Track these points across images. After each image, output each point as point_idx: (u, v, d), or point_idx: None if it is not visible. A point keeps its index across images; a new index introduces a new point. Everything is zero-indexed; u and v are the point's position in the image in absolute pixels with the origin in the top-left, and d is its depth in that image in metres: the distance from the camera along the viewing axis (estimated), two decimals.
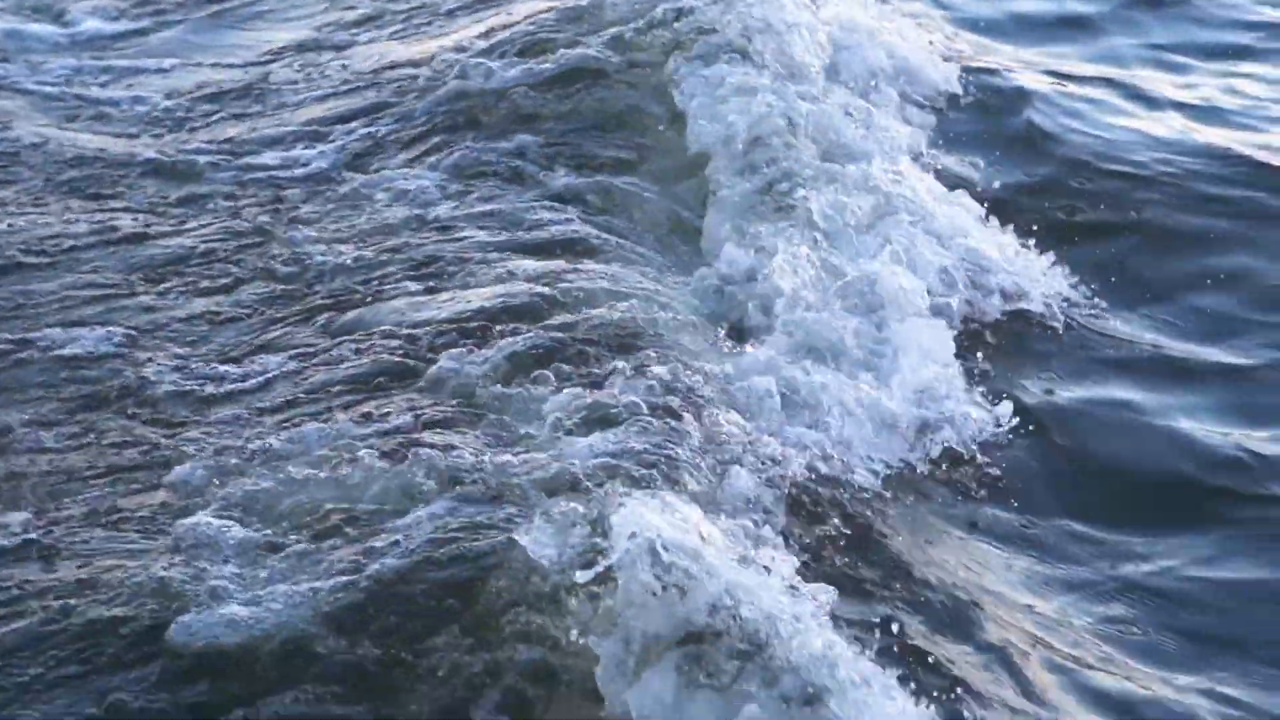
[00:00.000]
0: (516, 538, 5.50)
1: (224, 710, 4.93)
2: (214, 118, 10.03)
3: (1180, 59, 9.90)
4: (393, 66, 10.75)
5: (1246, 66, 9.97)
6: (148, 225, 8.64)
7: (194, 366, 7.14)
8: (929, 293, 7.02)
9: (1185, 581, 5.31)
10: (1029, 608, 5.07)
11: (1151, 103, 9.26)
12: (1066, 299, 7.40)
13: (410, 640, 5.12)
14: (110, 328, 7.49)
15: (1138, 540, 5.60)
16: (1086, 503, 5.79)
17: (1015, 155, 8.77)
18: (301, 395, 6.83)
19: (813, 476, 5.83)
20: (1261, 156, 8.52)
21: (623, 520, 5.21)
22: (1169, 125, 9.16)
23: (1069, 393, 6.57)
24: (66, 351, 7.27)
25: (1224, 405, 6.37)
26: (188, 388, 6.96)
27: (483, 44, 10.80)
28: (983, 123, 9.19)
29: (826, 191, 7.87)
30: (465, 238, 8.27)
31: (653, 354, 6.89)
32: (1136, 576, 5.37)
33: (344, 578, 5.48)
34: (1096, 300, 7.40)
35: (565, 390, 6.69)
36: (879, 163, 8.14)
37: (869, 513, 5.60)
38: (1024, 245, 7.67)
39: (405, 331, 7.29)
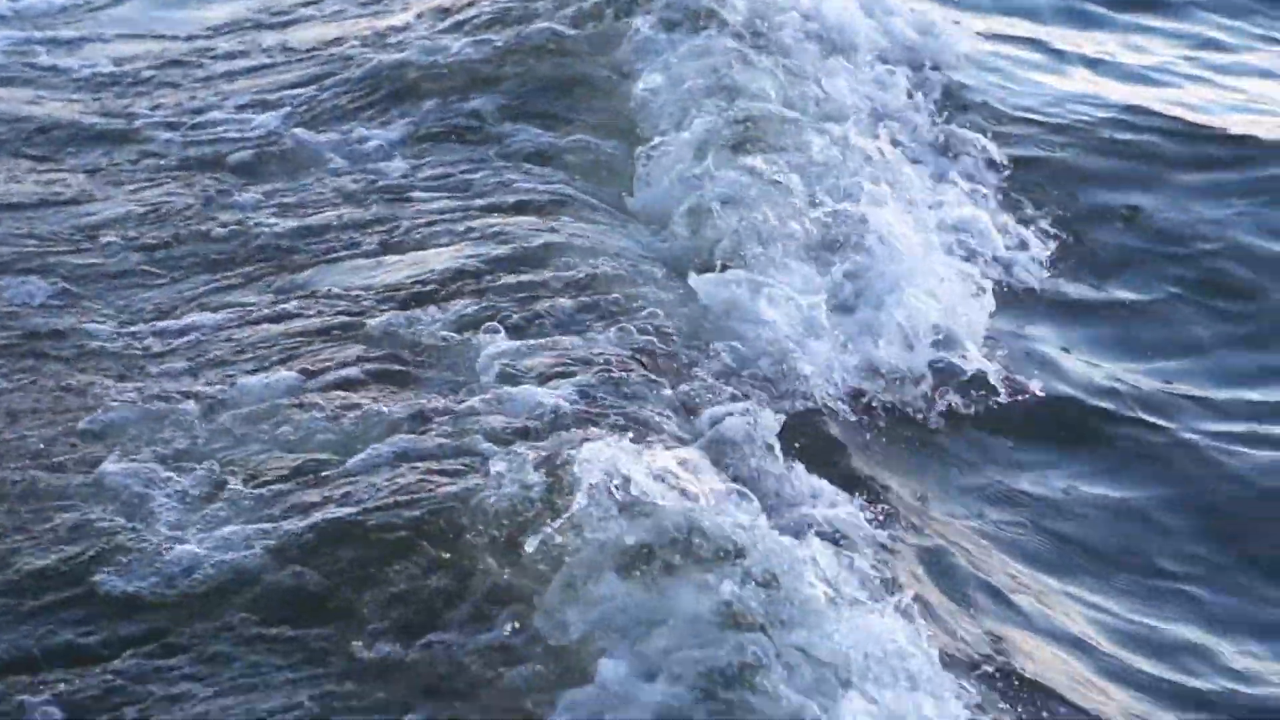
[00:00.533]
0: (471, 479, 5.55)
1: (159, 645, 4.94)
2: (160, 85, 10.06)
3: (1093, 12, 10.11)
4: (339, 41, 10.81)
5: (1153, 21, 10.21)
6: (93, 186, 8.66)
7: (134, 319, 7.13)
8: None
9: (1062, 493, 5.56)
10: (940, 508, 5.30)
11: (1062, 57, 9.50)
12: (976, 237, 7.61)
13: (362, 571, 5.15)
14: (51, 279, 7.49)
15: (1025, 456, 5.84)
16: (982, 422, 6.03)
17: (937, 107, 8.96)
18: (244, 349, 6.82)
19: (772, 403, 5.96)
20: (1160, 108, 8.76)
21: (583, 455, 5.30)
22: (1079, 79, 9.41)
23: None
24: (5, 301, 7.27)
25: (1111, 338, 6.63)
26: (127, 339, 6.94)
27: (435, 19, 10.86)
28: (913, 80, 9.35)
29: (768, 142, 8.00)
30: (417, 198, 8.34)
31: (611, 305, 6.94)
32: (1021, 485, 5.57)
33: (289, 521, 5.49)
34: (1006, 239, 7.60)
35: (517, 342, 6.73)
36: (812, 118, 8.30)
37: (821, 435, 5.74)
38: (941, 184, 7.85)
39: (354, 291, 7.29)
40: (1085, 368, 6.36)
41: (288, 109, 9.62)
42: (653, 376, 6.37)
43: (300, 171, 8.80)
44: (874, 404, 6.16)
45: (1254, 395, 6.39)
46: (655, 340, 6.64)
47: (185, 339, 6.92)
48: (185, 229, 8.05)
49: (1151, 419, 6.19)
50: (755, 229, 7.42)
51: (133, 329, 6.99)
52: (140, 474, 5.80)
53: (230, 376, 6.51)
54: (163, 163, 8.93)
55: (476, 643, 4.75)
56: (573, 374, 6.36)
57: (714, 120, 8.45)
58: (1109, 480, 5.83)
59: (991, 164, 8.09)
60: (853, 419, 5.97)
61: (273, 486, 5.68)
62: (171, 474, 5.78)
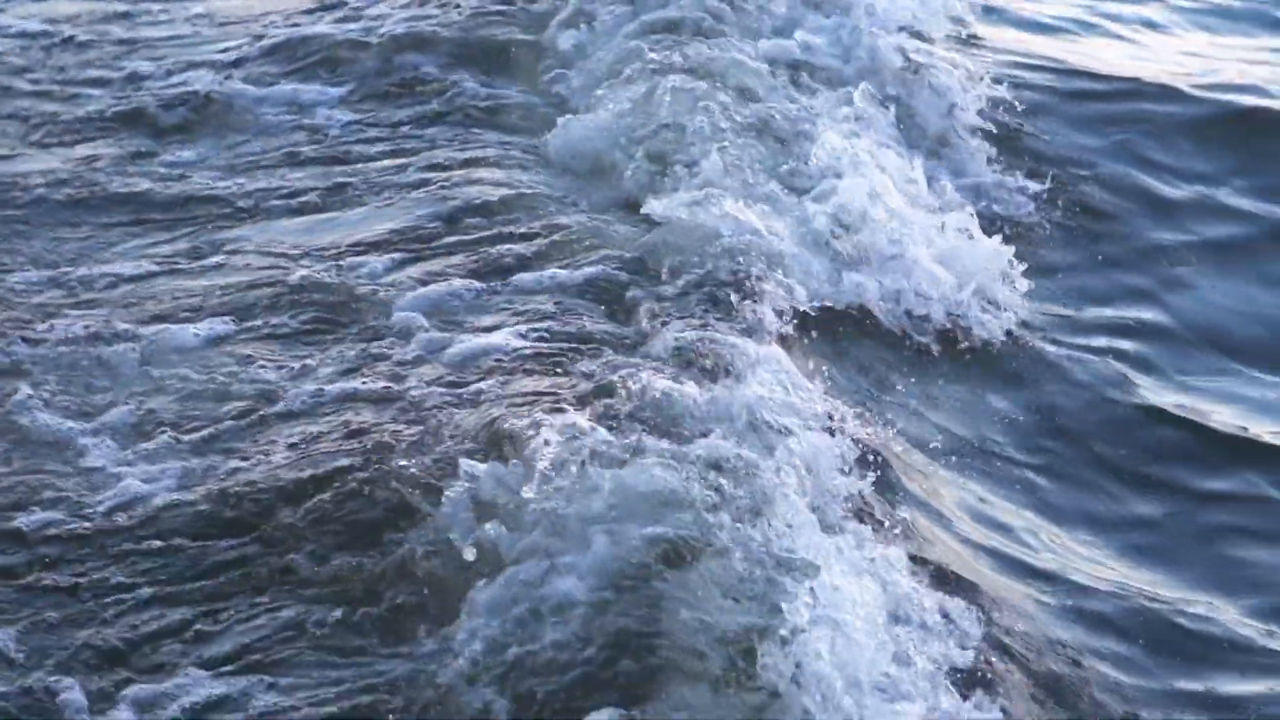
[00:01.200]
0: (406, 423, 5.61)
1: (87, 579, 4.93)
2: (92, 45, 10.06)
3: None
4: (277, 8, 10.71)
5: None
6: (22, 141, 8.62)
7: (60, 267, 7.08)
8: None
9: (939, 396, 6.04)
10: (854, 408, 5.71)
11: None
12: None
13: (294, 507, 5.17)
14: None
15: (911, 363, 6.31)
16: (870, 334, 6.35)
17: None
18: (173, 298, 6.77)
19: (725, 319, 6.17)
20: (1052, 53, 9.09)
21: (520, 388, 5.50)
22: (976, 28, 9.72)
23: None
24: None
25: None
26: (51, 287, 6.90)
27: None
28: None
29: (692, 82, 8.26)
30: (356, 155, 8.33)
31: (556, 248, 7.01)
32: (909, 388, 6.11)
33: (220, 461, 5.55)
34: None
35: (457, 290, 6.77)
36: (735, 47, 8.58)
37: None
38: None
39: (291, 244, 7.28)
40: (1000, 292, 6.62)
41: (223, 70, 9.55)
42: (600, 310, 6.50)
43: (235, 129, 8.79)
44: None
45: (1110, 312, 6.71)
46: (603, 274, 6.75)
47: (113, 289, 6.91)
48: (114, 183, 8.02)
49: (1018, 333, 6.50)
50: (699, 157, 7.59)
51: (58, 276, 6.98)
52: (66, 413, 5.84)
53: (159, 324, 6.51)
54: (93, 119, 8.90)
55: (400, 554, 4.88)
56: (518, 319, 6.45)
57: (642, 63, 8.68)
58: (979, 387, 6.18)
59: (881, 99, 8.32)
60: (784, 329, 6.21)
61: (202, 430, 5.73)
62: (98, 415, 5.82)
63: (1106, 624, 4.63)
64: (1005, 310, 6.55)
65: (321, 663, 4.51)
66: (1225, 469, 5.81)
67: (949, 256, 6.56)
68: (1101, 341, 6.61)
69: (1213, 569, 5.25)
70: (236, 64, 9.66)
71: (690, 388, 5.44)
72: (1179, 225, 7.68)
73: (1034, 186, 7.71)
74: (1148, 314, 6.77)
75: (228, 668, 4.49)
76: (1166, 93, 9.00)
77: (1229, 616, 4.96)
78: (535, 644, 4.42)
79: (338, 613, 4.71)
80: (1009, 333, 6.51)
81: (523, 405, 5.62)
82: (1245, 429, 6.05)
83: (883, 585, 4.43)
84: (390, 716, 4.29)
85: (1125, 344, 6.56)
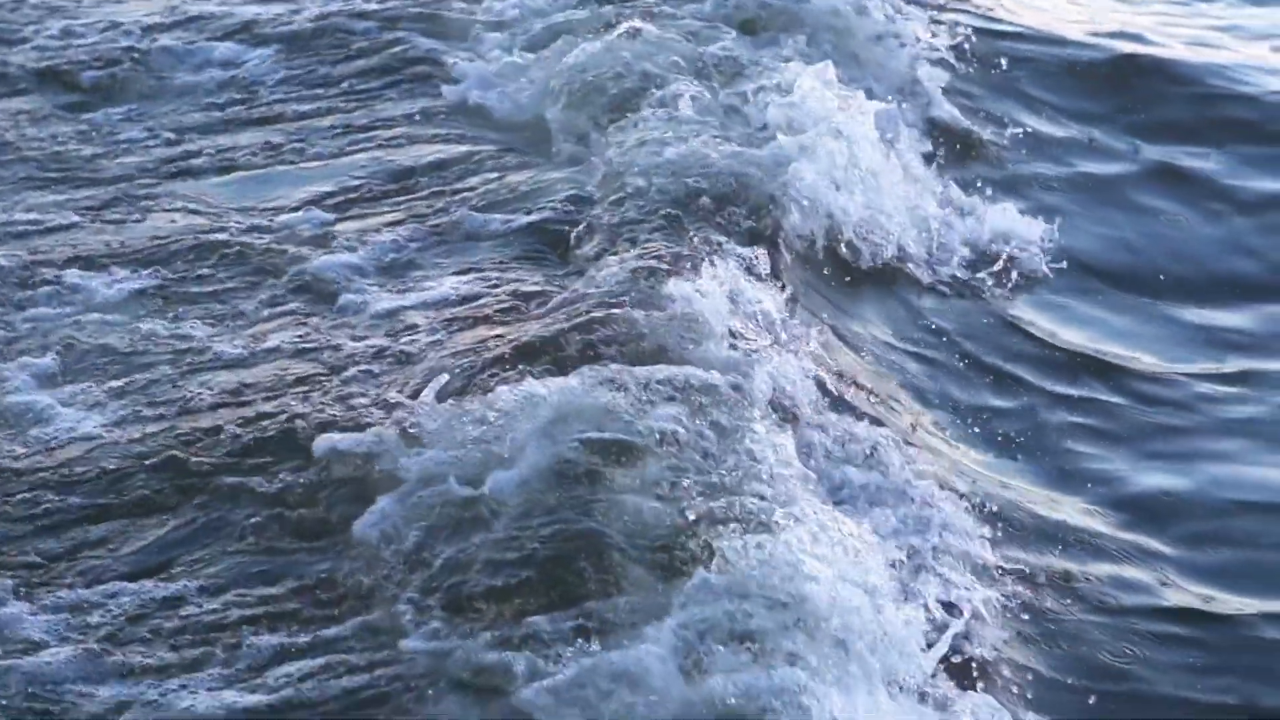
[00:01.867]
0: (333, 377, 5.58)
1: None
2: (11, 8, 9.93)
3: None
4: None
5: None
6: None
7: None
8: None
9: (878, 326, 6.36)
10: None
11: None
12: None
13: (218, 448, 5.15)
14: None
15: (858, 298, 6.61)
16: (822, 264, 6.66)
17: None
18: (89, 252, 6.69)
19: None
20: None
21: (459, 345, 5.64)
22: None
23: None
24: None
25: None
26: None
27: None
28: None
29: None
30: (289, 112, 8.23)
31: (497, 197, 6.96)
32: (861, 319, 6.38)
33: (125, 399, 5.53)
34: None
35: (388, 246, 6.68)
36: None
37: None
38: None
39: (216, 202, 7.18)
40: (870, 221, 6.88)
41: (150, 31, 9.37)
42: (541, 256, 6.50)
43: (163, 87, 8.67)
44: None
45: (987, 237, 7.04)
46: (544, 220, 6.74)
47: (33, 236, 6.81)
48: (37, 139, 7.93)
49: (910, 252, 6.82)
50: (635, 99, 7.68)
51: None
52: None
53: (82, 271, 6.46)
54: (16, 78, 8.75)
55: (329, 473, 4.92)
56: (455, 269, 6.43)
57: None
58: (878, 299, 6.54)
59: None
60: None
61: (124, 374, 5.72)
62: (16, 359, 5.79)
63: (960, 501, 4.93)
64: (896, 232, 6.77)
65: (247, 569, 4.59)
66: (1073, 378, 6.15)
67: (855, 182, 6.74)
68: (979, 261, 6.90)
69: (1054, 460, 5.60)
70: (165, 26, 9.51)
71: (637, 315, 5.54)
72: (1058, 159, 7.93)
73: (926, 123, 7.92)
74: (1022, 238, 7.02)
75: (159, 576, 4.57)
76: (1054, 39, 9.25)
77: (1069, 505, 5.26)
78: (465, 544, 4.49)
79: (263, 523, 4.79)
80: (901, 249, 6.77)
81: (461, 350, 5.69)
82: (1096, 348, 6.39)
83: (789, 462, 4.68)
84: (317, 612, 4.37)
85: (999, 265, 6.84)
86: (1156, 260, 7.08)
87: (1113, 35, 9.43)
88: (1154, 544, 5.16)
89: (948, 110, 8.14)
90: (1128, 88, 8.75)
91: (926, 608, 4.29)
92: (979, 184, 7.32)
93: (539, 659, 4.04)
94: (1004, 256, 6.86)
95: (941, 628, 4.22)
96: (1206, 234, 7.30)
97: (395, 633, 4.24)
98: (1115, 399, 6.02)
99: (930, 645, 4.11)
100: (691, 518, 4.40)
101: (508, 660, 4.06)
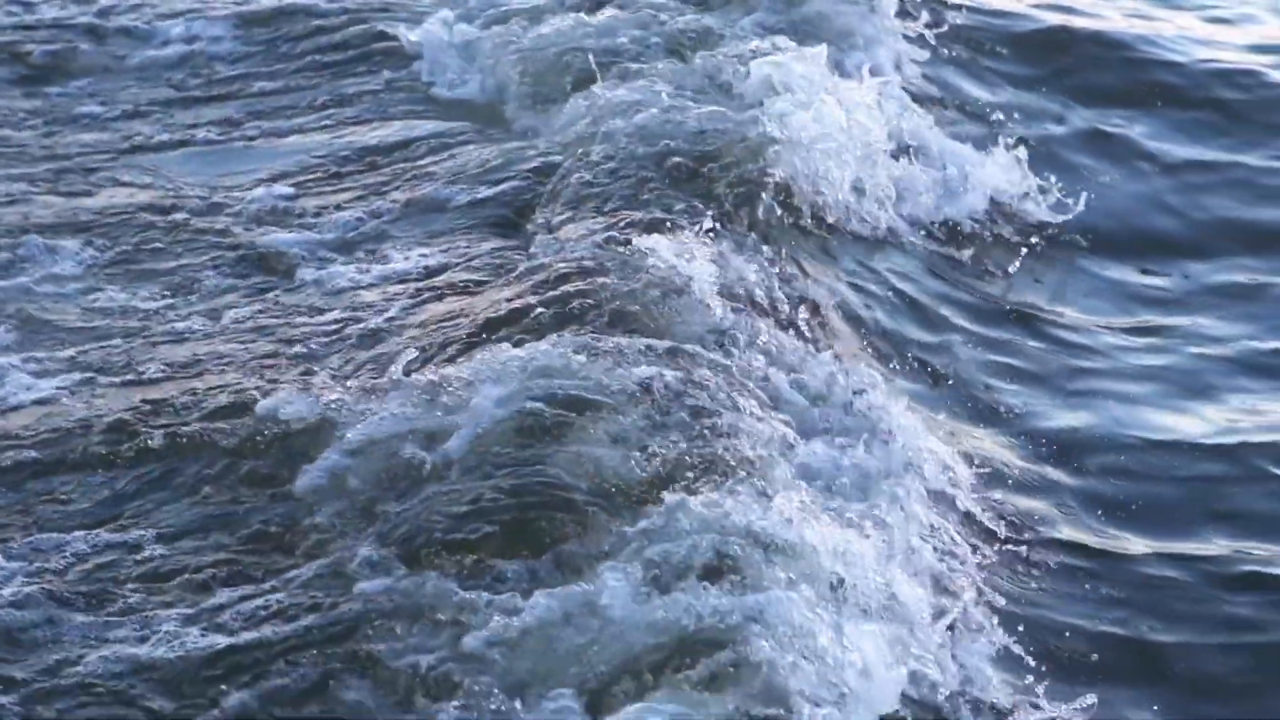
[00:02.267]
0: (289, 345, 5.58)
1: None
2: None
3: None
4: None
5: None
6: None
7: None
8: None
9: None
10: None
11: None
12: None
13: (163, 408, 5.16)
14: None
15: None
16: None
17: None
18: (42, 222, 6.63)
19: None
20: None
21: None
22: None
23: None
24: None
25: None
26: None
27: None
28: None
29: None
30: (247, 89, 8.18)
31: (457, 174, 6.92)
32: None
33: (77, 371, 5.50)
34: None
35: (347, 222, 6.62)
36: None
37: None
38: None
39: (172, 178, 7.11)
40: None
41: (107, 10, 9.15)
42: (503, 228, 6.48)
43: (120, 63, 8.57)
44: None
45: (926, 200, 7.25)
46: (505, 192, 6.71)
47: None
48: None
49: (865, 208, 6.99)
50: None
51: None
52: None
53: (31, 246, 6.38)
54: None
55: (280, 428, 4.93)
56: (415, 244, 6.40)
57: None
58: (816, 242, 6.65)
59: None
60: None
61: (75, 345, 5.69)
62: None
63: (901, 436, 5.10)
64: (845, 183, 6.89)
65: (202, 519, 4.62)
66: (999, 325, 6.42)
67: (824, 143, 6.85)
68: (921, 219, 7.08)
69: (974, 397, 5.84)
70: (122, 7, 9.25)
71: (606, 281, 5.59)
72: (994, 123, 8.09)
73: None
74: (960, 197, 7.21)
75: (114, 525, 4.61)
76: (995, 12, 9.41)
77: (986, 438, 5.54)
78: (423, 494, 4.53)
79: (217, 476, 4.82)
80: (855, 206, 6.88)
81: (424, 320, 5.72)
82: (1021, 299, 6.69)
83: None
84: (274, 559, 4.41)
85: (941, 222, 7.06)
86: (1084, 219, 7.28)
87: (1051, 7, 9.62)
88: (1060, 477, 5.38)
89: (892, 74, 8.28)
90: (1064, 55, 8.94)
91: (854, 524, 4.39)
92: (921, 145, 7.47)
93: (499, 596, 4.07)
94: (945, 215, 7.04)
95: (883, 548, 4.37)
96: (1131, 194, 7.51)
97: (353, 576, 4.27)
98: (1035, 344, 6.28)
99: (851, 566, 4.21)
100: (659, 467, 4.47)
101: (469, 598, 4.09)
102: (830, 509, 4.43)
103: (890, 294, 6.41)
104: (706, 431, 4.65)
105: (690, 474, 4.46)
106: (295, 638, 4.10)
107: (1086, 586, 4.86)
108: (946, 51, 8.83)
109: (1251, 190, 7.66)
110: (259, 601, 4.24)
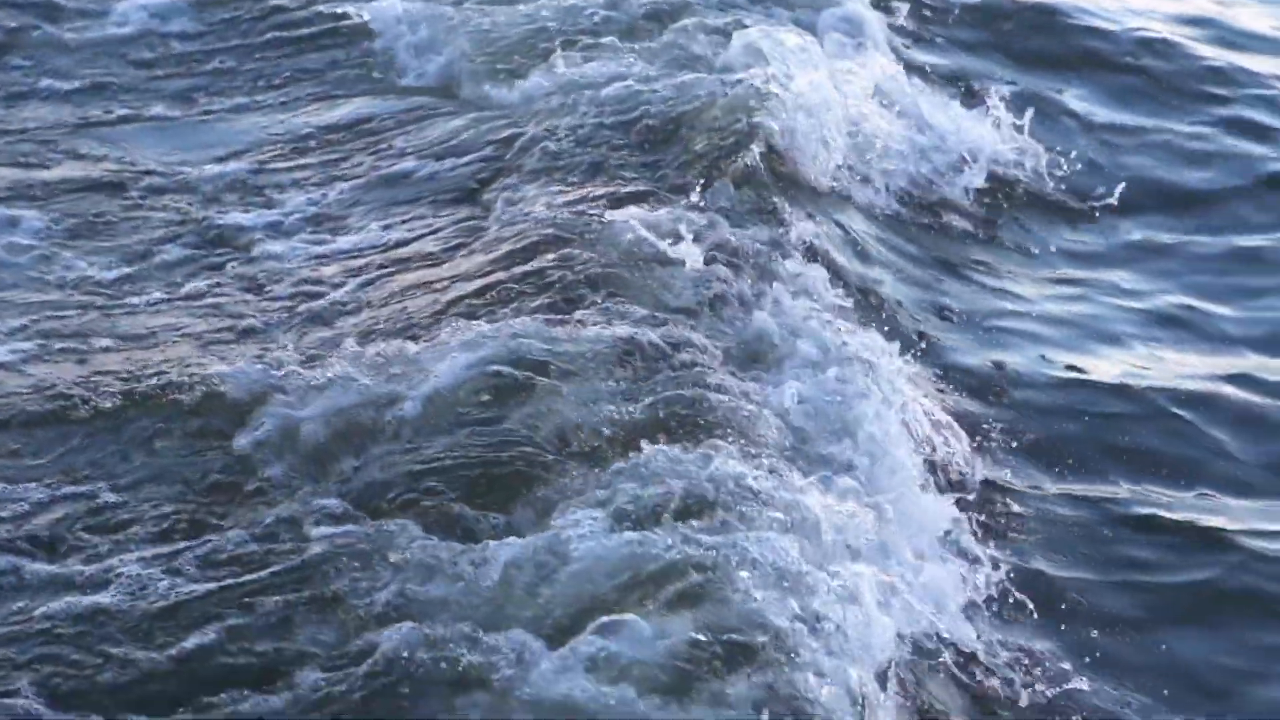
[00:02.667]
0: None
1: None
2: None
3: None
4: None
5: None
6: None
7: None
8: None
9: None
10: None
11: None
12: None
13: (114, 380, 5.15)
14: None
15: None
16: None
17: None
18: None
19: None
20: None
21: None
22: None
23: None
24: None
25: None
26: None
27: None
28: None
29: None
30: (206, 67, 8.11)
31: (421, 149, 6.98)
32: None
33: (28, 341, 5.50)
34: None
35: (311, 199, 6.63)
36: None
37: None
38: None
39: (130, 154, 7.08)
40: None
41: None
42: (462, 201, 6.50)
43: (80, 42, 8.41)
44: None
45: (895, 156, 7.45)
46: (465, 167, 6.73)
47: None
48: None
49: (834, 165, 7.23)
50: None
51: None
52: None
53: None
54: None
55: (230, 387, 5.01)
56: (376, 219, 6.41)
57: None
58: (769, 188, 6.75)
59: None
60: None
61: (30, 315, 5.68)
62: None
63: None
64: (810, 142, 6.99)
65: (156, 474, 4.66)
66: (936, 276, 6.74)
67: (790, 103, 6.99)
68: (870, 176, 7.23)
69: (907, 334, 6.06)
70: None
71: (564, 250, 5.66)
72: (937, 86, 8.34)
73: None
74: (904, 156, 7.45)
75: (67, 478, 4.64)
76: None
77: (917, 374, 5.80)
78: (376, 451, 4.58)
79: (167, 430, 4.86)
80: (816, 160, 7.00)
81: (385, 293, 5.77)
82: (957, 253, 7.01)
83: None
84: (231, 509, 4.46)
85: (883, 180, 7.24)
86: (1016, 177, 7.58)
87: None
88: (978, 409, 5.63)
89: (839, 41, 8.40)
90: (1006, 22, 9.21)
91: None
92: (886, 108, 7.60)
93: (460, 543, 4.11)
94: (894, 173, 7.21)
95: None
96: (1061, 155, 7.81)
97: (311, 525, 4.31)
98: (965, 289, 6.56)
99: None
100: (629, 423, 4.54)
101: (429, 543, 4.13)
102: (791, 450, 4.56)
103: (842, 243, 6.55)
104: (678, 388, 4.71)
105: (661, 428, 4.51)
106: (255, 581, 4.13)
107: (999, 521, 5.02)
108: (900, 20, 9.06)
109: (1172, 153, 8.03)
110: (217, 547, 4.28)
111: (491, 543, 4.10)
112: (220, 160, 7.09)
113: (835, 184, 7.01)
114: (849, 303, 5.85)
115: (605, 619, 3.76)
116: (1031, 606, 4.64)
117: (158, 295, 5.92)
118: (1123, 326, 6.53)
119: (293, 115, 7.61)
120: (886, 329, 5.83)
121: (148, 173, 6.97)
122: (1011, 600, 4.63)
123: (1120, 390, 5.95)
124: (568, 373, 4.78)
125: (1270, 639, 4.77)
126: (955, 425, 5.41)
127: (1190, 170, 7.88)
